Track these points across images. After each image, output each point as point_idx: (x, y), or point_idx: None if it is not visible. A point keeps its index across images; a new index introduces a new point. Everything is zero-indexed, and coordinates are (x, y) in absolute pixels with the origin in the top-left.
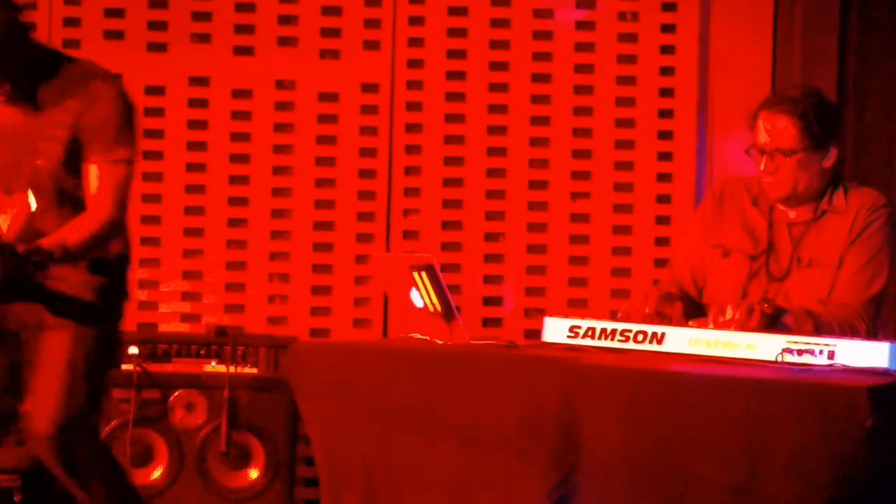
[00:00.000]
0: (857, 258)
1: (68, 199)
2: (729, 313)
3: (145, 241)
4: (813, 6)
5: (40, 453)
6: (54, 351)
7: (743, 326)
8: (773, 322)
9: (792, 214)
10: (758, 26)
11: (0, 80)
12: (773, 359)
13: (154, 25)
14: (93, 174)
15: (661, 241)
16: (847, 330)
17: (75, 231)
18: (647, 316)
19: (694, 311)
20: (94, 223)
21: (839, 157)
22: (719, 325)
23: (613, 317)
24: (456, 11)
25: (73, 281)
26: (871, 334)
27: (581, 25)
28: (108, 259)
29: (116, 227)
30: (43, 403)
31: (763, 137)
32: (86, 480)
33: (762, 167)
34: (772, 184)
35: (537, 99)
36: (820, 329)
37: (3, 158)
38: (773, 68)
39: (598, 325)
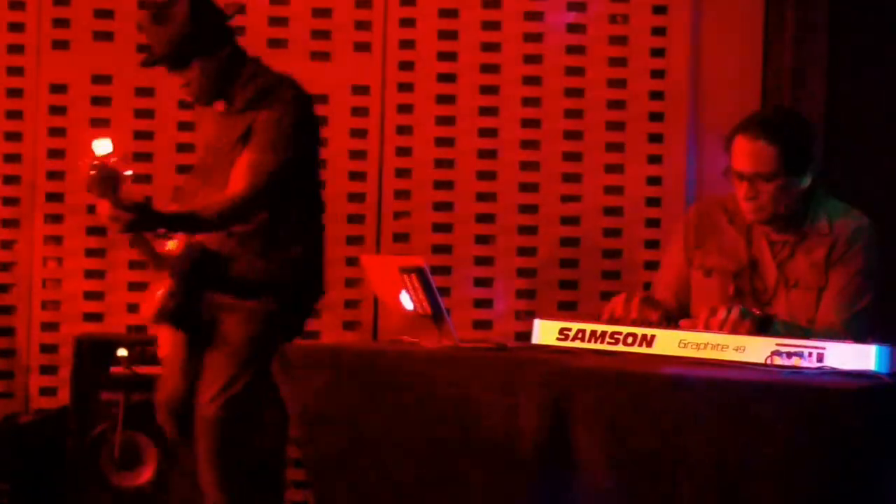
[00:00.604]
0: (842, 278)
1: None
2: (721, 315)
3: None
4: (804, 9)
5: (199, 431)
6: (224, 334)
7: (735, 329)
8: (764, 327)
9: (773, 234)
10: (748, 29)
11: (202, 86)
12: (763, 361)
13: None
14: (241, 161)
15: (651, 244)
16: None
17: (209, 205)
18: (628, 320)
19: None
20: (224, 199)
21: (820, 172)
22: (710, 326)
23: (598, 319)
24: (447, 14)
25: (254, 272)
26: None
27: (572, 28)
28: (288, 259)
29: (246, 207)
30: (207, 383)
31: (742, 162)
32: (225, 465)
33: (742, 193)
34: (752, 208)
35: (528, 101)
36: None
37: (206, 159)
38: (763, 71)
39: (589, 327)
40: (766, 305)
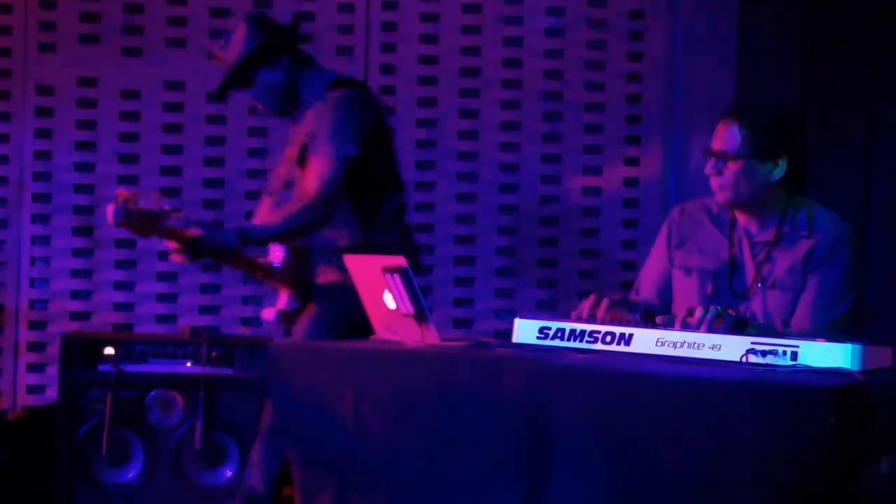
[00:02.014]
0: (822, 283)
1: None
2: (697, 314)
3: (120, 243)
4: (777, 11)
5: None
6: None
7: (711, 328)
8: (739, 328)
9: (754, 234)
10: (723, 33)
11: (266, 99)
12: (738, 359)
13: (129, 30)
14: (308, 167)
15: (629, 244)
16: None
17: (275, 215)
18: (599, 318)
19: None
20: (291, 208)
21: (797, 172)
22: (687, 325)
23: (577, 317)
24: (428, 18)
25: (327, 274)
26: None
27: (550, 32)
28: (339, 250)
29: (315, 214)
30: None
31: (714, 142)
32: None
33: (708, 169)
34: (716, 185)
35: (507, 104)
36: None
37: (280, 170)
38: (737, 74)
39: (568, 326)
40: (743, 305)
